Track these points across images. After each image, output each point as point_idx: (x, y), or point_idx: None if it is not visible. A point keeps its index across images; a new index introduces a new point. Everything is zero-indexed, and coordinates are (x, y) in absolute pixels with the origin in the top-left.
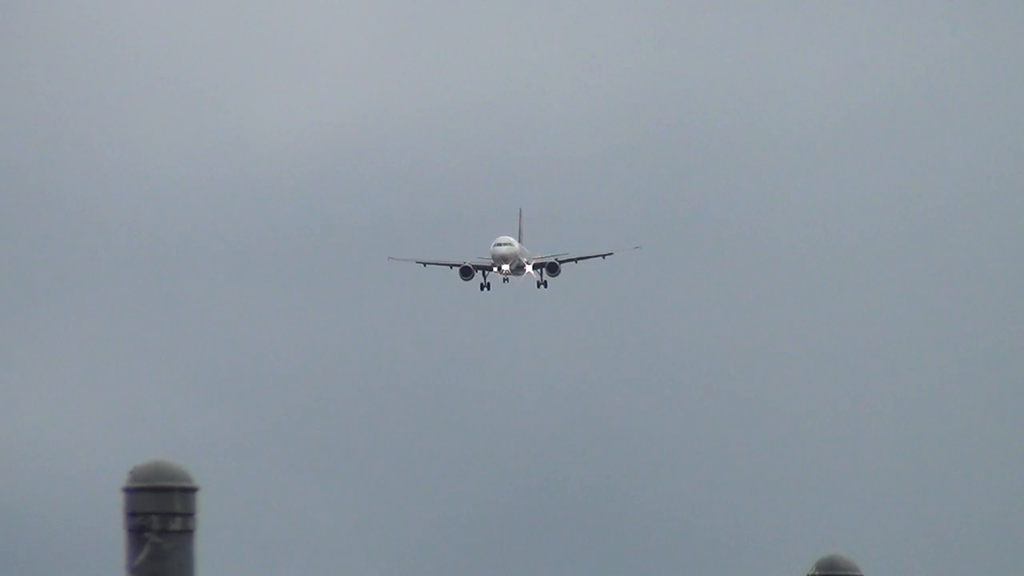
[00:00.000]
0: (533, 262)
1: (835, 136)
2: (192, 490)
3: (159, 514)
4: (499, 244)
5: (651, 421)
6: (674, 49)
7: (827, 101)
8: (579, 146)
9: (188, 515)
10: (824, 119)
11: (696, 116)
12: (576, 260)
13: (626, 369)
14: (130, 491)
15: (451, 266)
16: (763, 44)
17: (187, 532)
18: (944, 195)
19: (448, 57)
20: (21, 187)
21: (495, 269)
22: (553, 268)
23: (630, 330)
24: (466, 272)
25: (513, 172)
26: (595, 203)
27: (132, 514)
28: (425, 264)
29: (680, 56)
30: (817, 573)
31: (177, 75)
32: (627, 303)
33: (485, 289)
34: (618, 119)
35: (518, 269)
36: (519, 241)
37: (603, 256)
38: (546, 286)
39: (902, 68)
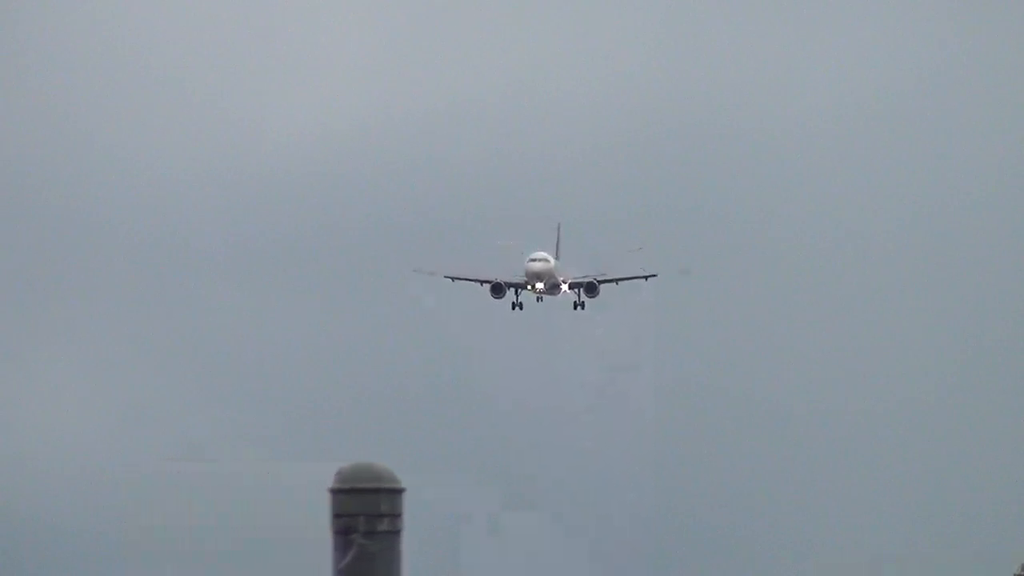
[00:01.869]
0: (570, 281)
1: (877, 138)
2: (398, 491)
3: (366, 515)
4: (534, 260)
5: (698, 462)
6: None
7: (870, 104)
8: (624, 159)
9: (395, 516)
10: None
11: (748, 137)
12: (617, 281)
13: (668, 401)
14: (336, 492)
15: (481, 282)
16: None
17: (394, 533)
18: (961, 196)
19: (478, 55)
20: (26, 187)
21: (529, 287)
22: (592, 288)
23: (673, 359)
24: (497, 289)
25: (552, 183)
26: (639, 221)
27: (338, 515)
28: (453, 279)
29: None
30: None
31: (187, 76)
32: (671, 330)
33: (517, 308)
34: (669, 130)
35: (553, 288)
36: (556, 258)
37: (646, 278)
38: (583, 307)
39: (917, 67)
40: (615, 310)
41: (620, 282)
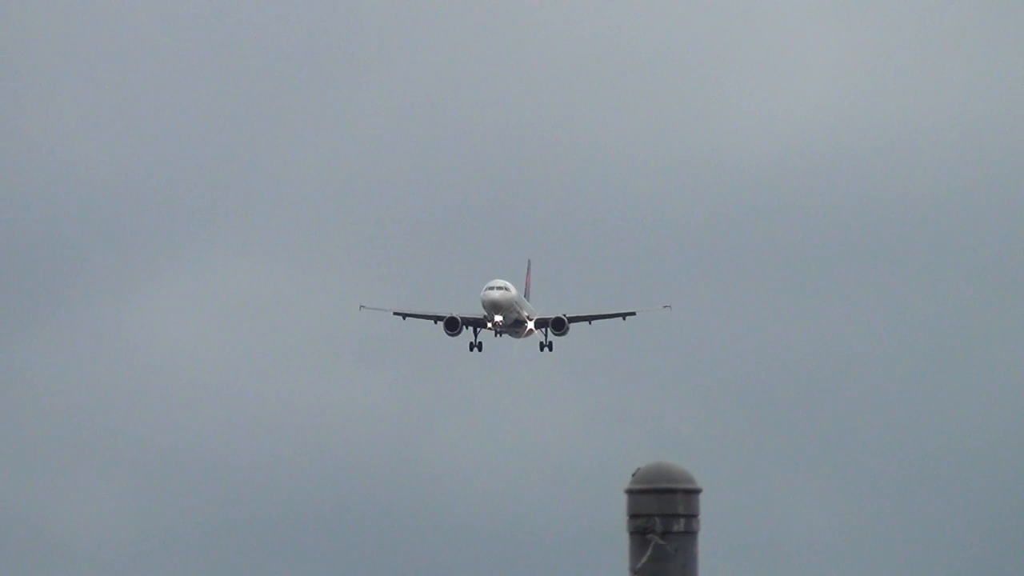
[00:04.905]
0: (536, 318)
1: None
2: (695, 491)
3: (662, 516)
4: (491, 288)
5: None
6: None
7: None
8: (595, 198)
9: (691, 516)
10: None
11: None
12: (590, 320)
13: (641, 456)
14: (633, 493)
15: (435, 319)
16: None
17: (690, 534)
18: None
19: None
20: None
21: (488, 323)
22: (559, 325)
23: (652, 408)
24: (452, 325)
25: (523, 218)
26: (617, 258)
27: (634, 516)
28: (404, 316)
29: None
30: None
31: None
32: (651, 374)
33: (475, 349)
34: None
35: (516, 325)
36: (525, 296)
37: (623, 316)
38: (551, 348)
39: None
40: (587, 354)
41: (594, 320)
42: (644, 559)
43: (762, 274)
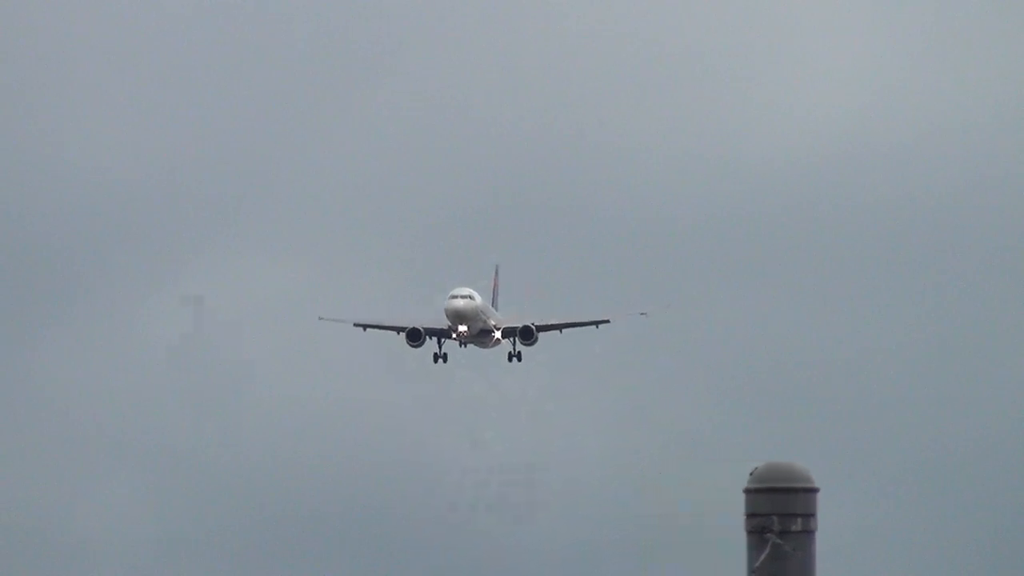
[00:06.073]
0: (503, 327)
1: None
2: (812, 491)
3: (779, 515)
4: (454, 296)
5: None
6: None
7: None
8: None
9: (808, 516)
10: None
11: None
12: (560, 328)
13: (617, 478)
14: (751, 492)
15: (397, 330)
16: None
17: (807, 533)
18: None
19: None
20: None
21: (452, 334)
22: (527, 334)
23: (627, 421)
24: (414, 336)
25: (492, 220)
26: (592, 262)
27: (752, 515)
28: (365, 328)
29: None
30: None
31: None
32: (624, 386)
33: (440, 361)
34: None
35: (483, 335)
36: (492, 305)
37: (596, 324)
38: (519, 359)
39: None
40: (558, 363)
41: (565, 329)
42: (762, 558)
43: (767, 276)
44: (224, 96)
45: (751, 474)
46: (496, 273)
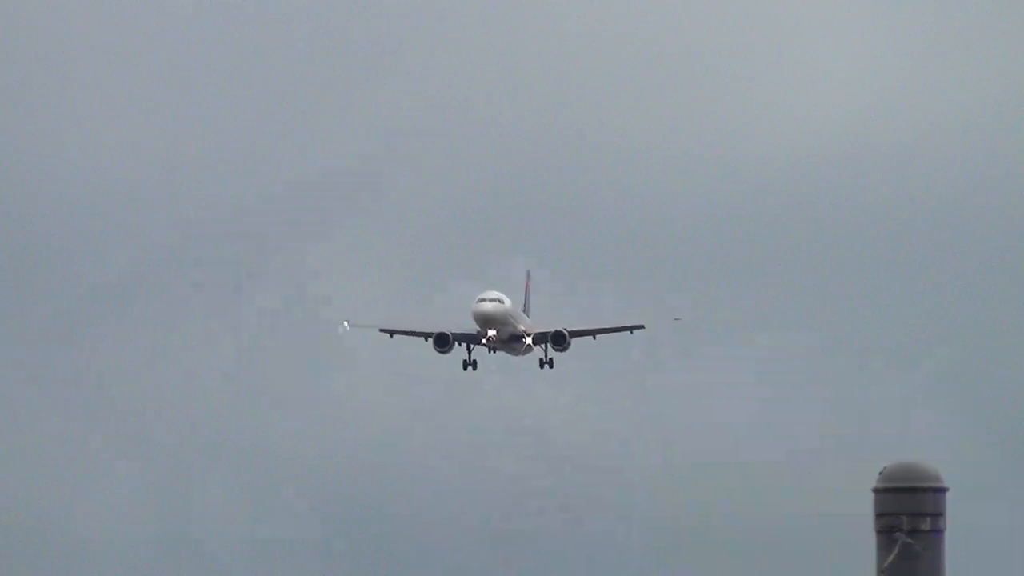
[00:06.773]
0: (534, 333)
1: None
2: (942, 490)
3: (908, 514)
4: (483, 299)
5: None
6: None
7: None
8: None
9: (937, 515)
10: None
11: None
12: (594, 333)
13: (652, 485)
14: (880, 491)
15: (425, 336)
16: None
17: (936, 532)
18: None
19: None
20: None
21: (482, 339)
22: (559, 339)
23: (664, 429)
24: (442, 341)
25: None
26: (629, 266)
27: (881, 515)
28: (392, 333)
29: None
30: None
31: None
32: (661, 393)
33: (470, 368)
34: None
35: (513, 340)
36: (524, 310)
37: (631, 329)
38: (552, 365)
39: None
40: (592, 370)
41: (599, 334)
42: (891, 558)
43: (776, 278)
44: (224, 96)
45: (880, 473)
46: (528, 278)
